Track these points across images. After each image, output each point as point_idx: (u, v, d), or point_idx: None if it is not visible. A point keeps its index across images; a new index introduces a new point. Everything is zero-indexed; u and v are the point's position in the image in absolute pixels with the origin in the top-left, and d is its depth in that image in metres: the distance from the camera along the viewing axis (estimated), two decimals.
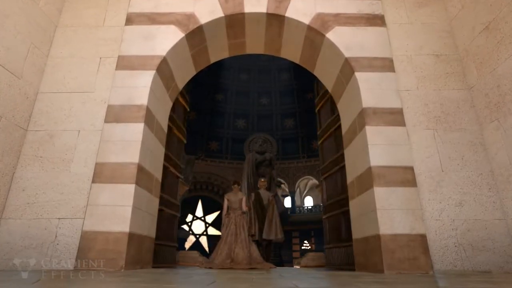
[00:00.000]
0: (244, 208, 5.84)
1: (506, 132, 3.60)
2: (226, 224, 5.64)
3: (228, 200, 5.89)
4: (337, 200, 5.46)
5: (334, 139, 5.80)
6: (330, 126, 5.96)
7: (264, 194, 6.86)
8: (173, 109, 5.46)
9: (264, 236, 6.45)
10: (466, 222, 3.62)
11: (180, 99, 6.17)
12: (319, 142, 6.54)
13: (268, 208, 6.70)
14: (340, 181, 5.37)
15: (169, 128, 5.41)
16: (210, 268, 4.94)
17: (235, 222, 5.58)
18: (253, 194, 6.97)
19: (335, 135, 5.75)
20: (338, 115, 5.53)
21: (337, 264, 5.39)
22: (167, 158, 5.29)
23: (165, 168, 5.15)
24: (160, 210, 4.87)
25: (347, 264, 4.97)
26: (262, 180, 7.25)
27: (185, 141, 6.44)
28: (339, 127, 5.50)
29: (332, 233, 5.78)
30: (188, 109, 6.65)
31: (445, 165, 3.86)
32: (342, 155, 5.14)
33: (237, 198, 5.88)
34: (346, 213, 4.85)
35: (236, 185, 6.10)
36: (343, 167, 5.08)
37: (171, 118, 5.39)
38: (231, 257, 5.20)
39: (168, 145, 5.28)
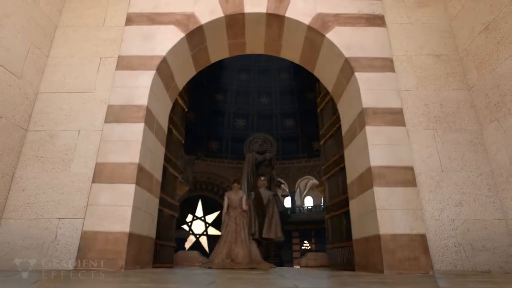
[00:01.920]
0: (245, 207, 5.87)
1: (506, 132, 3.61)
2: (226, 223, 5.62)
3: (228, 198, 5.92)
4: (337, 200, 5.46)
5: (335, 139, 5.79)
6: (332, 126, 5.94)
7: (264, 193, 6.81)
8: (172, 109, 5.45)
9: (264, 235, 6.40)
10: (466, 222, 3.62)
11: (179, 99, 6.12)
12: (321, 142, 6.49)
13: (268, 207, 6.67)
14: (341, 182, 5.36)
15: (168, 128, 5.39)
16: (210, 268, 4.88)
17: (235, 221, 5.58)
18: (253, 193, 6.92)
19: (336, 135, 5.74)
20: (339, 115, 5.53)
21: (339, 264, 5.36)
22: (165, 158, 5.28)
23: (163, 168, 5.13)
24: (159, 210, 4.87)
25: (347, 264, 4.96)
26: (262, 179, 7.17)
27: (183, 141, 6.42)
28: (340, 127, 5.50)
29: (334, 233, 5.74)
30: (187, 109, 6.61)
31: (445, 165, 3.86)
32: (342, 156, 5.12)
33: (237, 197, 5.90)
34: (347, 214, 4.84)
35: (236, 184, 6.13)
36: (343, 168, 5.06)
37: (170, 119, 5.38)
38: (231, 256, 5.18)
39: (166, 145, 5.27)
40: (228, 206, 5.88)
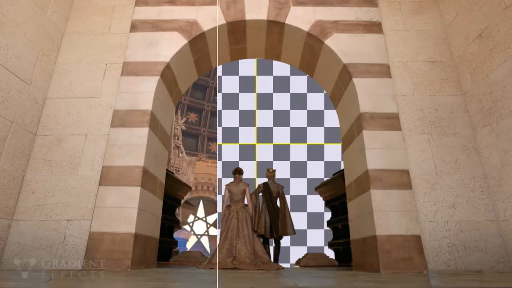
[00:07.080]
0: (249, 202, 5.29)
1: (498, 137, 3.74)
2: (227, 218, 5.12)
3: (229, 190, 5.32)
4: None
5: None
6: None
7: (273, 186, 6.04)
8: None
9: (281, 233, 5.71)
10: (459, 224, 3.75)
11: None
12: None
13: (280, 202, 5.93)
14: None
15: None
16: (211, 268, 4.39)
17: (237, 215, 5.08)
18: (261, 186, 5.97)
19: None
20: None
21: None
22: None
23: None
24: None
25: None
26: (271, 170, 6.29)
27: None
28: None
29: None
30: None
31: (439, 168, 3.99)
32: None
33: (239, 189, 5.27)
34: None
35: (237, 175, 5.45)
36: None
37: None
38: (233, 254, 4.74)
39: None
40: (229, 199, 5.31)
